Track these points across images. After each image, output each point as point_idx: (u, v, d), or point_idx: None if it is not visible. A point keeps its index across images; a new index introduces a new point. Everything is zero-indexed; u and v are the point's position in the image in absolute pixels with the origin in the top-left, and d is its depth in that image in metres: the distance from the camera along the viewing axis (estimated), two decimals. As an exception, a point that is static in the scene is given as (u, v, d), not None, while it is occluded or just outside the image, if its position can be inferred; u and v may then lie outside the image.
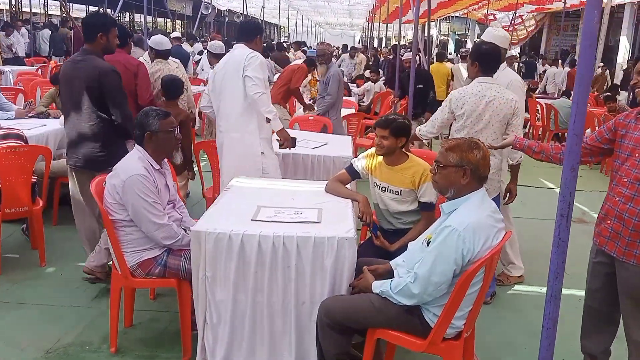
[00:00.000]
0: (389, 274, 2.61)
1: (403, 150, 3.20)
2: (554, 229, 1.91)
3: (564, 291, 3.84)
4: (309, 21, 37.18)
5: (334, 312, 2.45)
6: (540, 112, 9.17)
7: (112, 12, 26.11)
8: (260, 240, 2.57)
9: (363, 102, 9.92)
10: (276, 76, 8.40)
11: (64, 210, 4.72)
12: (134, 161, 2.80)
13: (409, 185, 3.12)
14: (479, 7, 21.52)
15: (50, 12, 26.11)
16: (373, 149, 3.35)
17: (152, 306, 3.43)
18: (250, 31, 4.13)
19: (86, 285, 3.64)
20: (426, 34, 15.88)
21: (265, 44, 12.60)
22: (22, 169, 3.64)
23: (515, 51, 21.42)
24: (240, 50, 3.99)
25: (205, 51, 11.11)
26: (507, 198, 3.76)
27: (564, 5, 13.49)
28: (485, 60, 3.48)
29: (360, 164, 3.33)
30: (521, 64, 17.16)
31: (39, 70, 10.51)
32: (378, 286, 2.44)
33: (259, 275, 2.60)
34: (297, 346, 2.67)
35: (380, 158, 3.23)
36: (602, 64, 12.46)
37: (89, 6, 24.14)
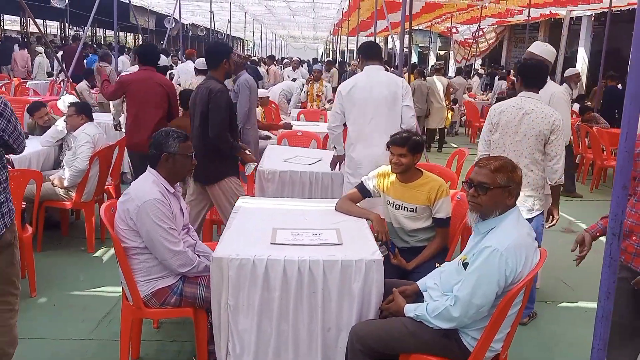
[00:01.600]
0: (416, 295, 2.56)
1: (416, 166, 3.17)
2: (605, 248, 1.89)
3: (568, 304, 3.89)
4: (272, 34, 37.19)
5: (366, 338, 2.37)
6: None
7: (73, 27, 25.44)
8: (285, 265, 2.47)
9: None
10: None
11: (47, 236, 4.49)
12: (149, 185, 2.66)
13: (424, 201, 3.08)
14: (442, 20, 22.01)
15: (5, 27, 25.27)
16: (384, 167, 3.31)
17: (157, 336, 3.26)
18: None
19: (81, 315, 3.44)
20: (390, 47, 16.10)
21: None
22: (13, 194, 3.40)
23: (477, 63, 22.01)
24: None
25: (176, 67, 10.98)
26: (549, 221, 3.49)
27: (529, 17, 13.88)
28: (531, 74, 3.42)
29: (371, 182, 3.27)
30: (487, 75, 17.59)
31: (4, 87, 10.07)
32: (412, 310, 2.37)
33: (283, 302, 2.50)
34: (323, 374, 2.57)
35: (393, 175, 3.19)
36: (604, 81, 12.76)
37: (47, 20, 23.45)
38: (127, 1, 12.63)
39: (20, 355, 2.97)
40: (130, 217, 2.59)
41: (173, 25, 22.32)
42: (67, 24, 21.94)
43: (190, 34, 30.27)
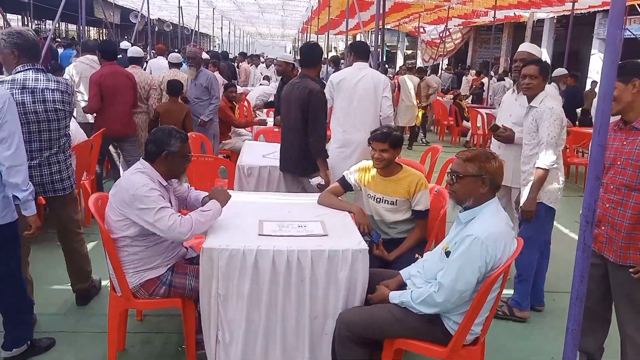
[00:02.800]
0: (399, 286, 2.66)
1: (397, 160, 3.29)
2: (579, 234, 2.03)
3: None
4: (240, 31, 36.95)
5: (353, 324, 2.46)
6: (481, 121, 9.63)
7: (35, 20, 24.70)
8: (274, 255, 2.54)
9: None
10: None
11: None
12: (139, 175, 2.68)
13: (404, 194, 3.19)
14: (410, 20, 22.34)
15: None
16: (364, 162, 3.41)
17: (141, 328, 3.28)
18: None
19: (63, 309, 3.43)
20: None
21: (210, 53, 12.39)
22: None
23: (444, 63, 22.42)
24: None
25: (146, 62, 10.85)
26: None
27: (494, 18, 14.25)
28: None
29: (352, 176, 3.37)
30: (454, 75, 17.96)
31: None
32: (397, 297, 2.48)
33: (272, 292, 2.57)
34: (310, 361, 2.65)
35: (374, 170, 3.29)
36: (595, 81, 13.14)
37: (8, 14, 22.72)
38: (94, -6, 12.37)
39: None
40: (123, 206, 2.61)
41: (139, 20, 22.03)
42: (29, 18, 21.33)
43: (156, 29, 29.86)
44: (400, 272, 2.73)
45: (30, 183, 2.65)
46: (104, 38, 25.99)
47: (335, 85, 4.65)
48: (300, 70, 4.43)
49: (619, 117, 2.64)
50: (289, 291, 2.58)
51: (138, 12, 20.49)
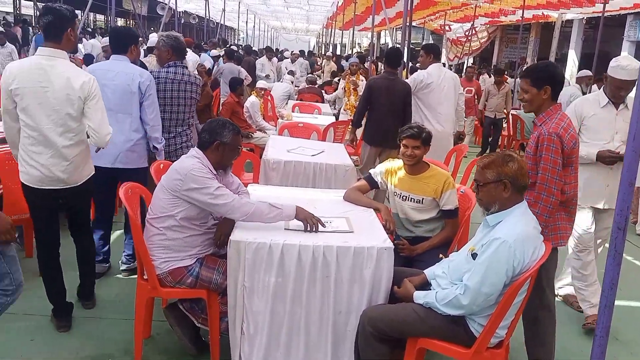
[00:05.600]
0: (423, 285, 2.67)
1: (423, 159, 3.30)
2: (610, 241, 2.02)
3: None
4: (265, 25, 37.07)
5: (377, 321, 2.48)
6: (507, 122, 9.54)
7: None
8: (300, 250, 2.57)
9: (334, 109, 9.99)
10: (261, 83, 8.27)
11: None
12: (190, 159, 2.77)
13: (431, 193, 3.20)
14: (436, 17, 22.15)
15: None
16: (391, 160, 3.43)
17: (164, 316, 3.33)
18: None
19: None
20: (383, 42, 16.16)
21: (232, 46, 12.48)
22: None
23: (469, 62, 22.20)
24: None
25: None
26: None
27: (522, 17, 14.05)
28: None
29: (379, 174, 3.38)
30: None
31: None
32: (421, 297, 2.48)
33: (297, 286, 2.60)
34: (332, 356, 2.68)
35: (401, 168, 3.30)
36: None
37: (39, 3, 23.13)
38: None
39: (35, 331, 3.07)
40: (175, 187, 2.68)
41: (167, 12, 22.24)
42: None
43: (182, 21, 30.08)
44: (424, 271, 2.73)
45: (163, 138, 3.77)
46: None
47: (424, 83, 5.30)
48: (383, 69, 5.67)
49: None
50: (313, 286, 2.61)
51: (165, 4, 20.69)
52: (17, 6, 21.47)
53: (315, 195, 3.54)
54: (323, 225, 2.77)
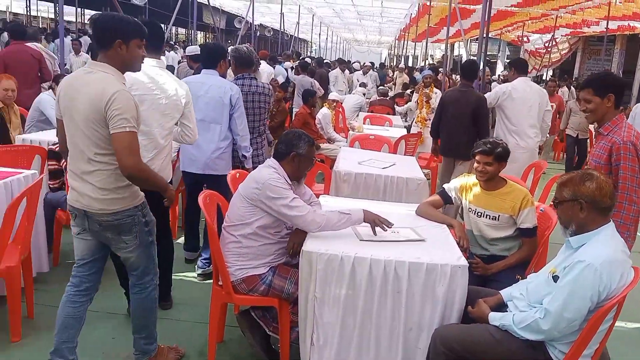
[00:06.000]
0: (498, 306, 2.57)
1: (500, 175, 3.19)
2: None
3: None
4: (337, 37, 37.43)
5: (451, 341, 2.41)
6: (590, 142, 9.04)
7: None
8: (371, 263, 2.55)
9: (406, 121, 9.90)
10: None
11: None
12: (267, 168, 2.86)
13: (508, 210, 3.09)
14: (513, 28, 21.52)
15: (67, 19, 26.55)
16: (466, 175, 3.35)
17: (236, 322, 3.41)
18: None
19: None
20: (457, 54, 15.84)
21: (305, 59, 12.68)
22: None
23: (548, 74, 21.34)
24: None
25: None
26: None
27: (607, 29, 13.35)
28: None
29: (453, 189, 3.31)
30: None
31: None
32: (497, 318, 2.40)
33: (368, 299, 2.58)
34: (401, 372, 2.63)
35: (476, 183, 3.21)
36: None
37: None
38: (206, 2, 13.06)
39: (117, 329, 3.22)
40: (252, 196, 2.77)
41: (243, 25, 23.02)
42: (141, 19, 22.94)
43: (258, 34, 31.00)
44: (500, 292, 2.64)
45: (250, 147, 4.05)
46: (209, 42, 27.38)
47: (506, 95, 5.37)
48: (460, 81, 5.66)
49: None
50: (384, 300, 2.58)
51: (242, 18, 21.44)
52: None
53: (386, 208, 3.50)
54: (389, 225, 2.83)
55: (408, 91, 11.20)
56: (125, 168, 2.35)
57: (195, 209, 4.01)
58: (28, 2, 22.67)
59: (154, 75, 3.09)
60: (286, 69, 11.36)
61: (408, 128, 9.15)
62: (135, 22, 2.50)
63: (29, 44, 6.34)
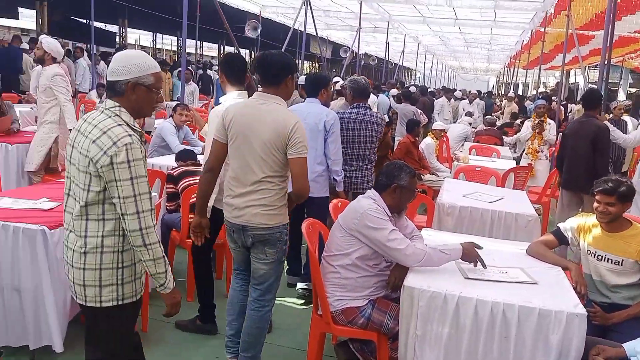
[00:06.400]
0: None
1: (624, 215, 2.93)
2: None
3: None
4: (443, 65, 36.99)
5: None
6: None
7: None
8: (477, 304, 2.43)
9: (515, 152, 9.45)
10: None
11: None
12: (367, 199, 2.86)
13: (633, 255, 2.82)
14: (637, 55, 19.93)
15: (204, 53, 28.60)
16: (585, 215, 3.11)
17: (333, 351, 3.39)
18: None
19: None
20: (572, 81, 14.95)
21: (410, 88, 12.62)
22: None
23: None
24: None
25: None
26: None
27: None
28: None
29: (570, 229, 3.08)
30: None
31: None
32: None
33: (472, 342, 2.46)
34: None
35: (596, 224, 2.97)
36: None
37: (241, 48, 26.12)
38: (314, 33, 13.54)
39: (217, 350, 3.32)
40: (351, 226, 2.77)
41: (348, 54, 23.54)
42: (256, 53, 24.22)
43: (362, 63, 31.50)
44: (623, 345, 2.39)
45: (342, 171, 4.09)
46: (316, 71, 28.24)
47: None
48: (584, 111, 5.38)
49: None
50: (490, 344, 2.44)
51: (348, 47, 21.94)
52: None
53: (493, 245, 3.34)
54: (485, 267, 2.74)
55: (518, 121, 10.73)
56: (301, 189, 2.77)
57: (296, 233, 4.12)
58: (154, 36, 24.89)
59: (262, 107, 3.21)
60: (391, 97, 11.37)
61: (517, 160, 8.72)
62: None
63: None
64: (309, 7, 11.31)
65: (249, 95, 3.25)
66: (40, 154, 4.97)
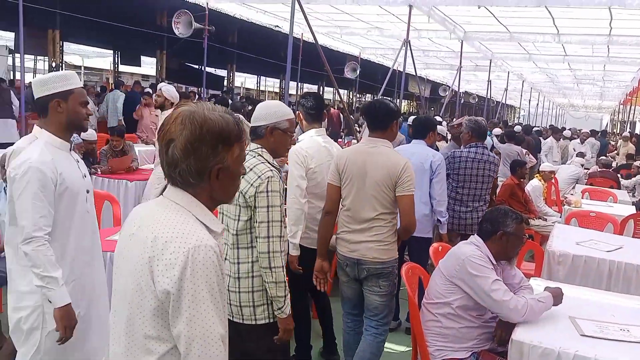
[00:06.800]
0: None
1: None
2: None
3: None
4: (550, 103, 35.31)
5: None
6: None
7: (357, 95, 28.41)
8: (595, 365, 2.22)
9: (634, 197, 8.69)
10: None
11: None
12: (470, 245, 2.76)
13: None
14: None
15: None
16: None
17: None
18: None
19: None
20: None
21: (515, 127, 12.16)
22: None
23: None
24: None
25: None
26: None
27: None
28: None
29: None
30: None
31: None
32: None
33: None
34: None
35: None
36: None
37: (341, 89, 26.85)
38: (413, 72, 13.55)
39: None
40: (452, 273, 2.69)
41: (446, 93, 23.31)
42: (354, 92, 24.71)
43: (462, 101, 30.95)
44: None
45: (446, 212, 4.01)
46: (413, 110, 28.15)
47: None
48: None
49: None
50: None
51: (448, 86, 21.73)
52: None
53: (612, 299, 3.07)
54: None
55: (637, 163, 9.92)
56: (408, 224, 2.97)
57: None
58: (258, 78, 26.26)
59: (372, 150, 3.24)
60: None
61: (637, 205, 8.01)
62: None
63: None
64: (408, 48, 11.35)
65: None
66: (157, 190, 5.33)
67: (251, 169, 2.30)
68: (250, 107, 15.27)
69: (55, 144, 2.29)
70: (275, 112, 2.45)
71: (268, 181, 2.27)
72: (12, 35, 14.46)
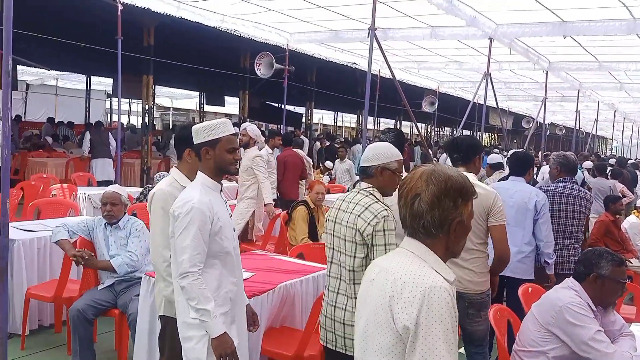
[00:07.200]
0: None
1: None
2: None
3: None
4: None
5: None
6: None
7: (435, 128, 27.98)
8: None
9: None
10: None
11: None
12: (567, 290, 2.57)
13: None
14: None
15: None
16: None
17: None
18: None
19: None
20: None
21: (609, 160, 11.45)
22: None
23: None
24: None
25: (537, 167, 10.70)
26: None
27: None
28: None
29: None
30: None
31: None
32: None
33: None
34: None
35: None
36: None
37: (419, 123, 26.70)
38: (495, 105, 13.23)
39: None
40: (548, 319, 2.51)
41: (530, 125, 22.44)
42: (432, 126, 24.46)
43: (548, 133, 29.68)
44: None
45: (554, 253, 3.87)
46: (494, 143, 27.33)
47: None
48: None
49: None
50: None
51: (532, 118, 20.92)
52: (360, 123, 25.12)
53: None
54: None
55: None
56: (504, 253, 3.03)
57: None
58: (335, 114, 26.72)
59: None
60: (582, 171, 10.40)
61: None
62: None
63: (295, 150, 7.64)
64: (489, 81, 11.12)
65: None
66: (239, 226, 5.51)
67: (366, 208, 2.41)
68: (328, 143, 15.54)
69: (210, 185, 2.48)
70: (384, 153, 2.56)
71: (384, 220, 2.37)
72: (109, 81, 15.81)
